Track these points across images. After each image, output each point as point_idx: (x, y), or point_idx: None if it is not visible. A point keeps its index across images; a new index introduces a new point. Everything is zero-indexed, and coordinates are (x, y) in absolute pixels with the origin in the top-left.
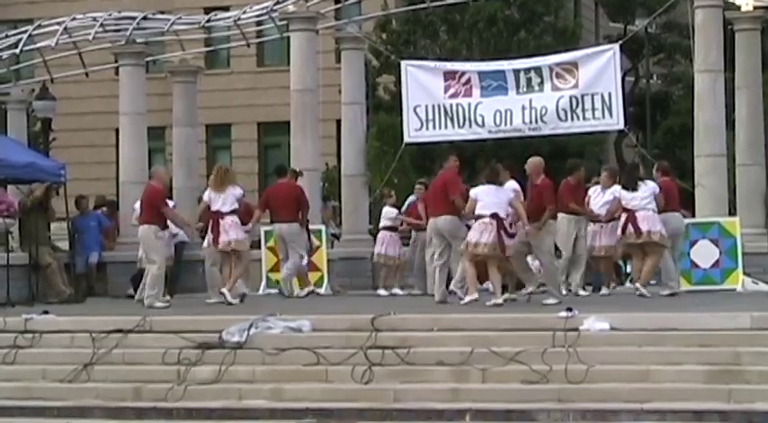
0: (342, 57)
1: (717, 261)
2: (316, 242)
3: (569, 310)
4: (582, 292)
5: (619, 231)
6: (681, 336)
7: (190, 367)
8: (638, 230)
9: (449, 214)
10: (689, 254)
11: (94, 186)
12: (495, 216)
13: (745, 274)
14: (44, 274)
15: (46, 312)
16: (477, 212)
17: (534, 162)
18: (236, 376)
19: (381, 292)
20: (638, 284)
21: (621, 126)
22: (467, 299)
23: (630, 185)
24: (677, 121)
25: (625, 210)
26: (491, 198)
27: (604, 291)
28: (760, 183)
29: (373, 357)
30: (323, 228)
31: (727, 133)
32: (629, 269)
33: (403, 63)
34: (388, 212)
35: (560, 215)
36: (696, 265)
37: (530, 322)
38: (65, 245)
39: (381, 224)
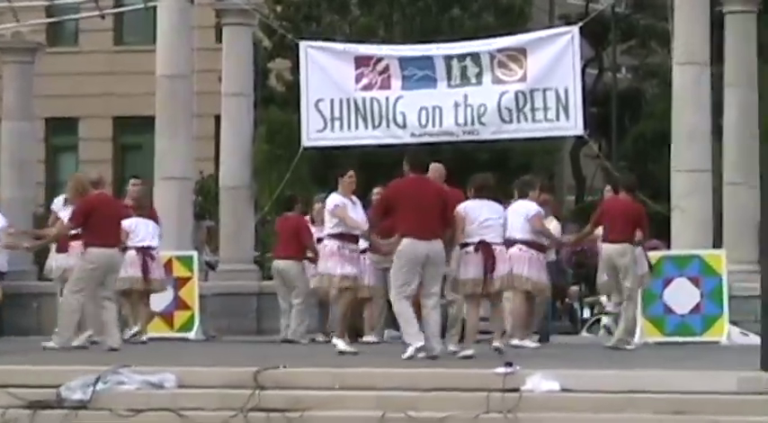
0: (224, 34)
1: (697, 305)
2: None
3: (508, 364)
4: (528, 344)
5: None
6: (649, 400)
7: None
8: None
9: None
10: (662, 296)
11: None
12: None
13: (731, 322)
14: None
15: None
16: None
17: (435, 169)
18: None
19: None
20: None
21: (580, 131)
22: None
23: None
24: (650, 126)
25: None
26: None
27: None
28: (751, 207)
29: (256, 422)
30: (194, 254)
31: (713, 143)
32: (586, 314)
33: (302, 44)
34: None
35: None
36: (670, 311)
37: (458, 380)
38: None
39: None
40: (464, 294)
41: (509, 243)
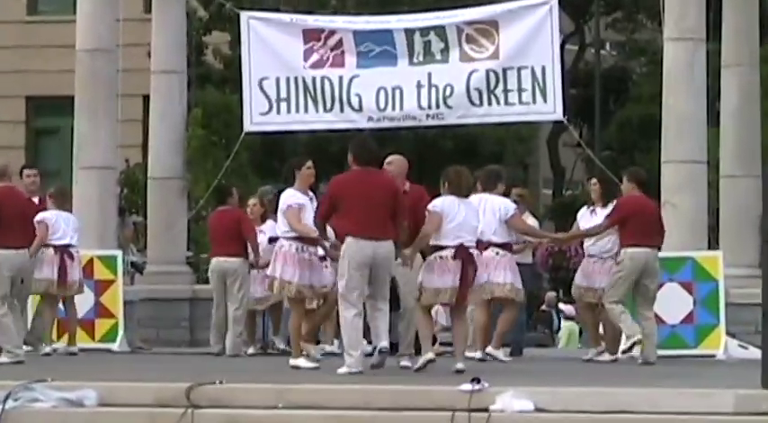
0: (153, 3)
1: (689, 314)
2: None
3: (476, 381)
4: (500, 356)
5: None
6: (635, 421)
7: None
8: None
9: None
10: None
11: None
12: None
13: (728, 334)
14: None
15: None
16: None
17: (396, 163)
18: None
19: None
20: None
21: (559, 116)
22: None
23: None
24: (638, 111)
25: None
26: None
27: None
28: (751, 202)
29: None
30: (118, 254)
31: (709, 130)
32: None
33: (243, 15)
34: None
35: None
36: (660, 320)
37: (419, 398)
38: None
39: None
40: (426, 304)
41: (481, 245)
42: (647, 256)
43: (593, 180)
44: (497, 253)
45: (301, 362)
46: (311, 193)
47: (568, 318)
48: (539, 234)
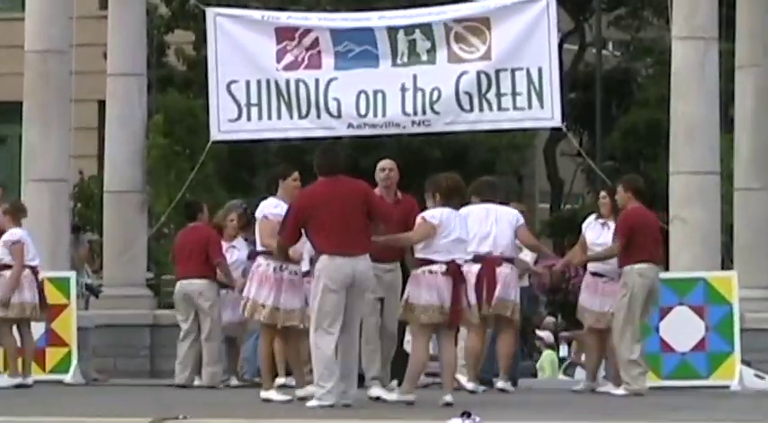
0: (109, 0)
1: (701, 341)
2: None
3: (466, 415)
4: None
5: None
6: None
7: None
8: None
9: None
10: (657, 329)
11: None
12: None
13: (743, 362)
14: None
15: None
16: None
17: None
18: None
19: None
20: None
21: (557, 122)
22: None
23: None
24: (644, 116)
25: None
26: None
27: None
28: None
29: None
30: (72, 275)
31: (722, 137)
32: (563, 352)
33: (209, 12)
34: None
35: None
36: (669, 348)
37: None
38: None
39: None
40: (419, 323)
41: (496, 261)
42: (655, 274)
43: (603, 193)
44: (511, 269)
45: (272, 394)
46: None
47: (548, 346)
48: (547, 253)
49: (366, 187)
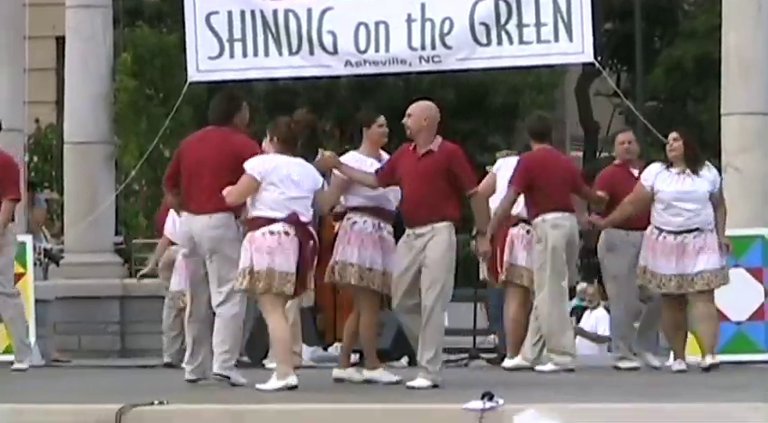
0: None
1: (760, 309)
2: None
3: (488, 396)
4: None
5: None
6: None
7: None
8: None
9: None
10: None
11: None
12: None
13: None
14: None
15: None
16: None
17: (424, 108)
18: None
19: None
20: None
21: (589, 57)
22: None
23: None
24: (691, 50)
25: None
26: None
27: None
28: None
29: None
30: (28, 240)
31: None
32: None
33: None
34: None
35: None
36: (724, 317)
37: (419, 418)
38: None
39: None
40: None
41: (511, 219)
42: (572, 223)
43: (675, 134)
44: (527, 231)
45: (377, 374)
46: (384, 156)
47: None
48: (599, 199)
49: (240, 138)
